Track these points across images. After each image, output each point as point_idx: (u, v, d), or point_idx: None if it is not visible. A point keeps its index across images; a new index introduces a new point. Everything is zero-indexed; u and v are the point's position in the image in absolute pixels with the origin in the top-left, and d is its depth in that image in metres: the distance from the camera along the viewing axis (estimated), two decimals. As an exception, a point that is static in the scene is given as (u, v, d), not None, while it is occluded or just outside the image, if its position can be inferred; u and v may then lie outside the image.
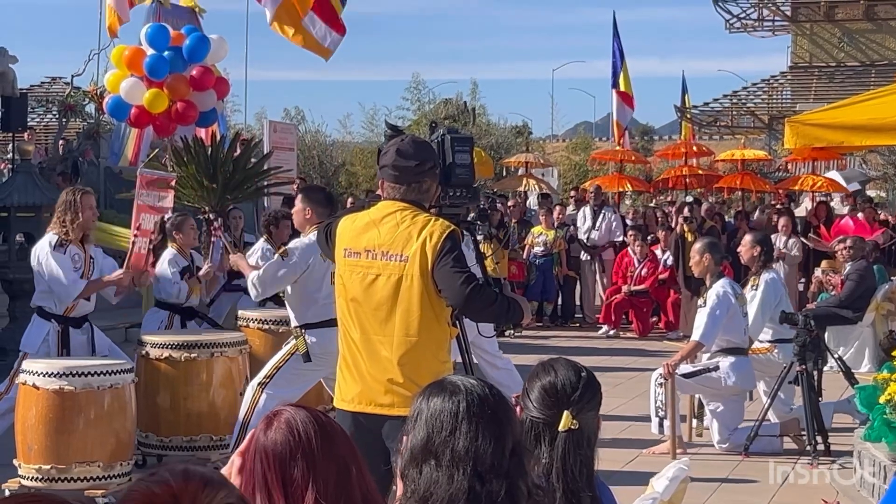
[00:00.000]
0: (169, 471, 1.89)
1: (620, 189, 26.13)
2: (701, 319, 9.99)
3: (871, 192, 34.44)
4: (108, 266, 9.24)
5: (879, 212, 22.76)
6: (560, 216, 20.05)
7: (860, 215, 19.24)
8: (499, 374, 10.55)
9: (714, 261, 10.12)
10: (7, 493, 7.71)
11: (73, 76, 24.54)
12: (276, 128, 21.56)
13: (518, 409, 3.59)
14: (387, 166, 5.40)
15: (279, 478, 2.65)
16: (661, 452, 9.59)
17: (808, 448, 9.54)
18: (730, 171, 27.85)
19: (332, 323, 6.24)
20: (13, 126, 20.90)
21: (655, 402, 9.90)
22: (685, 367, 9.96)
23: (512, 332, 16.63)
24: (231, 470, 2.72)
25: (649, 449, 9.86)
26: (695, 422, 10.44)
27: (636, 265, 18.29)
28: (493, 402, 2.98)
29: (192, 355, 8.90)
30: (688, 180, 26.35)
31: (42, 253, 8.80)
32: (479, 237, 13.99)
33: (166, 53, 13.27)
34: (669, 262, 18.08)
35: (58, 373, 7.84)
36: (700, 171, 27.07)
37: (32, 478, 7.87)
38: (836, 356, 11.55)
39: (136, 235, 12.58)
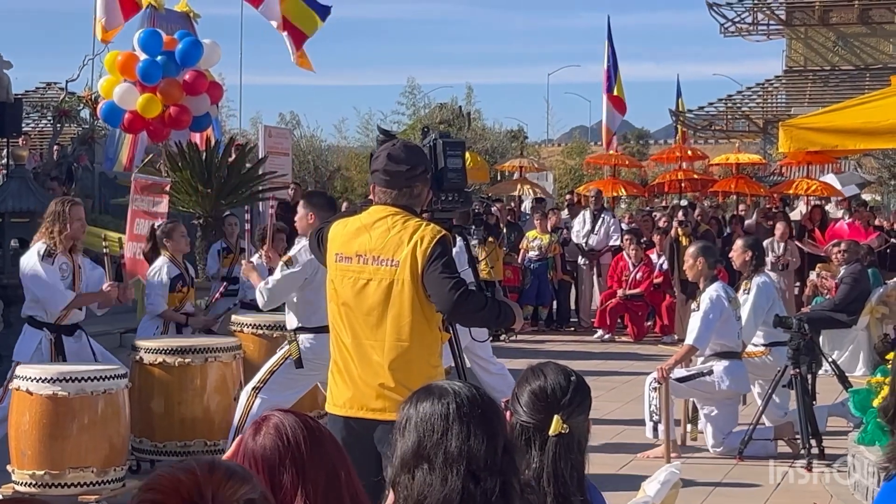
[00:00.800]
0: (196, 461, 1.90)
1: (615, 193, 26.14)
2: (694, 323, 10.00)
3: (866, 197, 34.48)
4: (96, 277, 9.14)
5: (874, 215, 22.77)
6: (554, 221, 20.04)
7: (852, 220, 19.24)
8: (492, 378, 10.56)
9: (708, 264, 10.13)
10: (0, 497, 7.71)
11: (67, 81, 24.59)
12: (271, 132, 21.57)
13: (508, 413, 3.60)
14: (378, 171, 5.40)
15: (268, 483, 2.64)
16: (656, 456, 9.60)
17: (803, 452, 9.54)
18: (724, 175, 27.88)
19: (327, 329, 6.23)
20: (8, 131, 20.88)
21: (650, 407, 9.90)
22: (679, 371, 9.97)
23: (506, 336, 16.62)
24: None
25: (644, 453, 9.86)
26: (689, 426, 10.45)
27: (631, 269, 18.30)
28: (482, 402, 2.99)
29: (186, 360, 8.90)
30: (683, 184, 26.37)
31: (30, 263, 8.74)
32: (474, 241, 14.01)
33: (159, 58, 13.29)
34: (664, 266, 18.09)
35: (51, 378, 7.83)
36: (695, 175, 27.09)
37: (26, 483, 7.86)
38: (829, 360, 11.56)
39: (129, 241, 12.62)
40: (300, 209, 8.34)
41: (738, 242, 11.20)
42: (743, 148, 28.96)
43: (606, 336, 18.11)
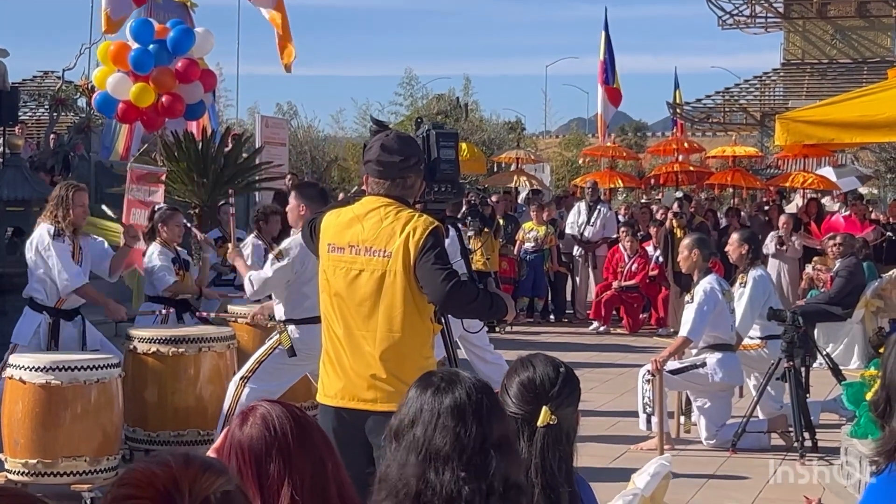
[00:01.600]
0: (171, 454, 1.90)
1: (612, 185, 26.15)
2: (688, 315, 10.00)
3: (862, 190, 34.46)
4: (97, 249, 9.32)
5: (870, 209, 22.78)
6: (549, 213, 20.04)
7: (848, 213, 19.27)
8: (487, 367, 10.56)
9: (702, 257, 10.13)
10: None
11: (64, 70, 24.55)
12: (267, 122, 21.55)
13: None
14: (371, 161, 5.40)
15: (255, 473, 2.65)
16: (649, 449, 9.61)
17: (796, 444, 9.56)
18: (721, 168, 27.89)
19: (317, 320, 6.24)
20: (4, 120, 20.79)
21: (643, 399, 9.91)
22: (673, 364, 9.97)
23: (501, 327, 16.63)
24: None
25: (637, 445, 9.87)
26: (682, 418, 10.46)
27: (626, 261, 18.30)
28: (482, 392, 3.02)
29: (180, 350, 8.90)
30: (679, 177, 26.37)
31: (41, 243, 8.86)
32: (470, 232, 14.00)
33: (151, 47, 13.27)
34: (660, 258, 18.09)
35: (44, 367, 7.83)
36: (691, 168, 27.10)
37: (18, 472, 7.86)
38: (824, 353, 11.57)
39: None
40: (291, 200, 8.33)
41: (735, 236, 11.20)
42: (740, 141, 28.99)
43: (602, 328, 18.12)
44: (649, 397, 9.83)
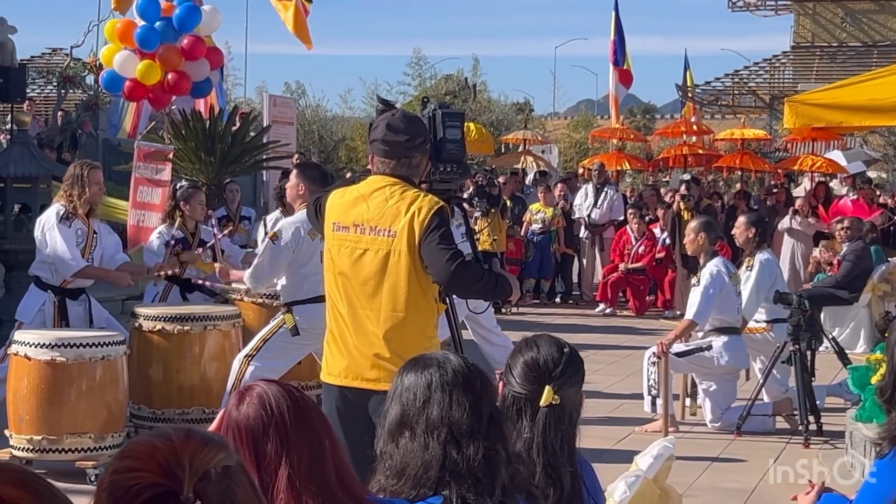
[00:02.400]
0: (172, 428, 1.90)
1: (619, 167, 26.10)
2: (694, 298, 9.99)
3: (871, 174, 34.39)
4: (112, 243, 9.34)
5: (878, 193, 22.72)
6: (561, 194, 20.02)
7: (856, 196, 19.25)
8: (493, 349, 10.56)
9: (709, 240, 10.11)
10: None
11: (72, 47, 24.51)
12: (275, 102, 21.56)
13: (501, 384, 3.62)
14: (377, 140, 5.38)
15: (252, 453, 2.64)
16: (654, 431, 9.60)
17: (801, 428, 9.55)
18: (729, 151, 27.82)
19: (319, 299, 6.23)
20: (12, 97, 20.85)
21: (648, 381, 9.91)
22: (678, 346, 9.97)
23: (507, 308, 16.63)
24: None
25: (641, 427, 9.87)
26: (688, 401, 10.45)
27: (633, 243, 18.28)
28: (467, 371, 3.03)
29: (185, 328, 8.90)
30: (687, 159, 26.31)
31: (47, 223, 8.87)
32: (477, 213, 13.99)
33: (157, 24, 13.25)
34: (667, 240, 18.07)
35: (49, 344, 7.84)
36: (700, 151, 27.04)
37: (23, 448, 7.88)
38: (830, 337, 11.56)
39: (133, 209, 12.62)
40: (292, 178, 8.34)
41: (742, 219, 11.17)
42: (749, 123, 28.91)
43: (608, 310, 18.10)
44: (654, 380, 9.83)
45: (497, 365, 9.22)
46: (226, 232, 10.83)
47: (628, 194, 22.65)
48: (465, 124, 6.29)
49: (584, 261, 19.84)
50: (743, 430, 9.73)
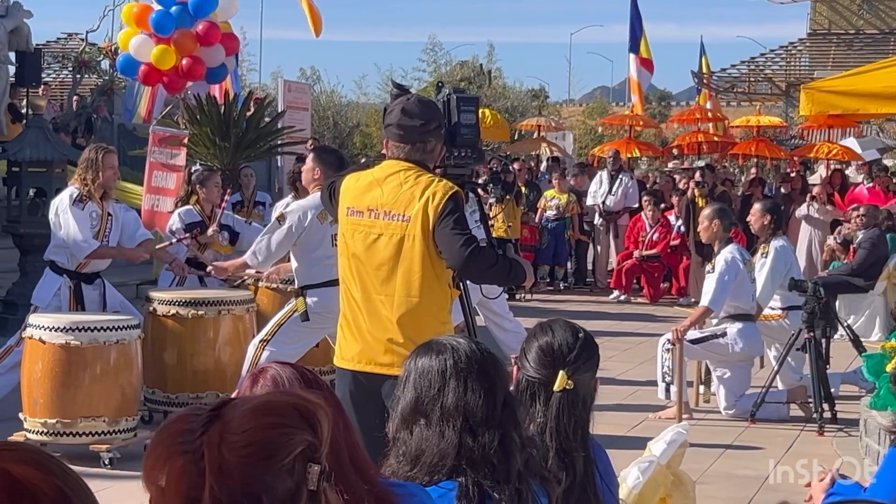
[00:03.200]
0: (286, 392, 2.05)
1: (629, 154, 26.07)
2: (709, 285, 9.96)
3: (887, 162, 34.26)
4: (130, 220, 9.36)
5: (894, 180, 22.63)
6: (575, 181, 20.00)
7: (872, 184, 19.21)
8: (506, 335, 10.55)
9: (723, 227, 10.09)
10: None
11: (88, 32, 24.55)
12: (290, 87, 21.52)
13: (515, 368, 3.62)
14: (392, 125, 5.37)
15: None
16: (668, 417, 9.59)
17: (815, 416, 9.53)
18: (745, 138, 27.74)
19: (333, 283, 6.22)
20: (27, 81, 20.93)
21: (662, 368, 9.90)
22: (693, 333, 9.95)
23: (521, 295, 16.63)
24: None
25: (655, 414, 9.87)
26: (702, 388, 10.44)
27: (648, 230, 18.25)
28: (481, 357, 3.02)
29: (200, 313, 8.92)
30: (702, 146, 26.24)
31: (61, 206, 8.90)
32: (492, 199, 13.94)
33: (173, 9, 13.27)
34: (682, 227, 18.03)
35: (64, 327, 7.86)
36: (715, 138, 26.97)
37: (38, 431, 7.90)
38: (845, 324, 11.53)
39: (147, 194, 12.65)
40: (308, 161, 8.33)
41: (757, 206, 11.14)
42: (765, 111, 28.80)
43: (622, 297, 18.10)
44: (669, 366, 9.81)
45: (509, 351, 9.21)
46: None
47: (647, 181, 22.59)
48: (481, 111, 6.28)
49: (599, 247, 19.82)
50: (757, 417, 9.71)
